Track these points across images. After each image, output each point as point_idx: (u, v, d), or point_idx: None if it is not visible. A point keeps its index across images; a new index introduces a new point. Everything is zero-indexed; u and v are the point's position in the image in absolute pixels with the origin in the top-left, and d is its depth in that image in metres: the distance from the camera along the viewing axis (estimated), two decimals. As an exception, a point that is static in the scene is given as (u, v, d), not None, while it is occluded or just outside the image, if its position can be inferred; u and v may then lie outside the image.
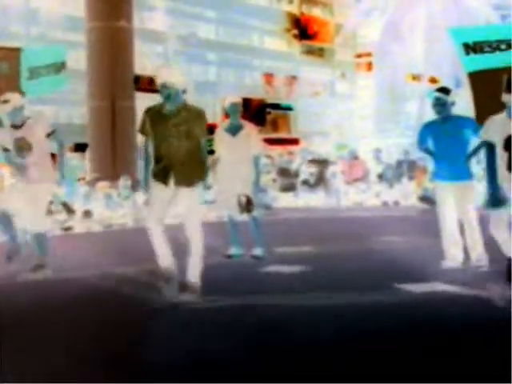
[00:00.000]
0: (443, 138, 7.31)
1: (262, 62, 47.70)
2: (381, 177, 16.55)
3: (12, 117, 7.30)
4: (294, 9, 51.06)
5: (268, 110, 45.51)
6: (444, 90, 7.46)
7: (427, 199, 13.62)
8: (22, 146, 7.20)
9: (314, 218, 13.48)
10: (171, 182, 5.98)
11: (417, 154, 15.57)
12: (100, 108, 16.70)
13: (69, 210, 12.36)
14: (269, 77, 48.01)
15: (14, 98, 7.39)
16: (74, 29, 23.80)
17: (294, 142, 41.92)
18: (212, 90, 41.35)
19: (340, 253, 8.68)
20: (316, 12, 52.75)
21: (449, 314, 5.27)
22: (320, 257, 8.38)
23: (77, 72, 18.37)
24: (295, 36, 50.91)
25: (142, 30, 21.37)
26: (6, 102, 7.24)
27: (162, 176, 6.00)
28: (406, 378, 3.79)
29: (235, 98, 8.47)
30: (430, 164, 8.58)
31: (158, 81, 5.95)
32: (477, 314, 5.24)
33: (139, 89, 18.64)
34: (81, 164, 16.82)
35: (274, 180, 16.17)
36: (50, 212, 11.58)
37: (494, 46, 7.98)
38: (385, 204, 15.56)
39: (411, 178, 16.20)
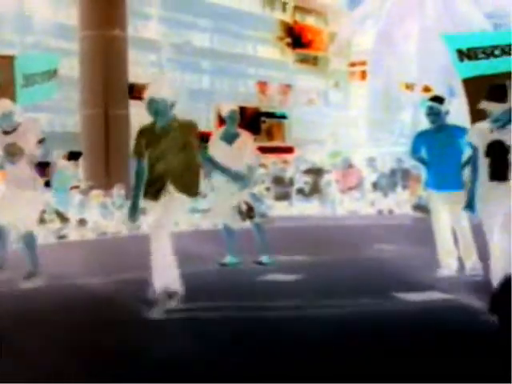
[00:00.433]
0: (436, 147, 7.31)
1: (256, 70, 47.74)
2: (375, 185, 16.53)
3: (1, 122, 7.27)
4: (288, 17, 51.14)
5: (262, 118, 45.51)
6: (437, 99, 7.46)
7: (421, 208, 13.61)
8: (13, 152, 7.15)
9: (308, 227, 13.46)
10: (163, 194, 5.87)
11: (411, 163, 15.56)
12: (93, 116, 16.67)
13: (62, 218, 12.31)
14: (262, 85, 48.05)
15: (3, 103, 7.38)
16: (67, 37, 23.77)
17: (289, 150, 41.89)
18: (206, 98, 41.33)
19: (335, 261, 8.68)
20: (310, 21, 52.84)
21: (445, 321, 5.26)
22: (315, 265, 8.36)
23: (71, 80, 18.33)
24: (289, 44, 50.96)
25: (135, 38, 21.35)
26: None
27: (153, 193, 5.89)
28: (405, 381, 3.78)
29: (233, 105, 8.44)
30: (424, 173, 8.59)
31: (146, 97, 5.85)
32: (469, 322, 5.23)
33: (133, 97, 18.59)
34: (75, 172, 16.73)
35: (268, 189, 16.14)
36: (42, 221, 11.54)
37: (488, 52, 7.98)
38: (379, 212, 15.55)
39: (405, 186, 16.19)
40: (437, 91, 26.99)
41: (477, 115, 7.16)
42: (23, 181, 7.22)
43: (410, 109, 33.92)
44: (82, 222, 12.53)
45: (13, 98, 10.26)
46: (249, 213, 8.08)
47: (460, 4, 32.27)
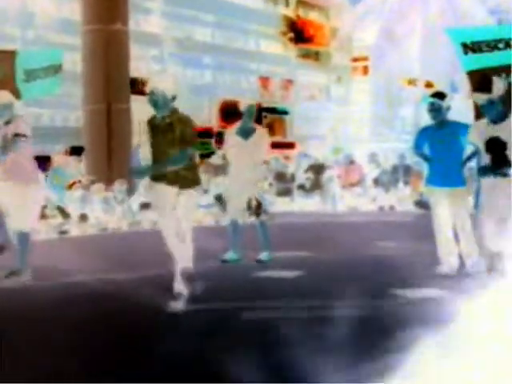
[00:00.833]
0: (438, 143, 7.30)
1: (258, 65, 47.71)
2: (377, 181, 16.52)
3: (1, 113, 7.29)
4: (291, 12, 51.08)
5: (264, 113, 45.51)
6: (439, 95, 7.45)
7: (423, 204, 13.59)
8: (9, 143, 7.14)
9: (309, 223, 13.44)
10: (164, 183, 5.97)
11: (413, 159, 15.55)
12: (96, 111, 16.66)
13: (64, 213, 12.31)
14: (265, 80, 48.02)
15: (2, 95, 7.40)
16: (69, 32, 23.77)
17: (290, 145, 41.89)
18: (208, 93, 41.32)
19: (336, 258, 8.66)
20: (312, 16, 52.77)
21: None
22: (315, 262, 8.35)
23: (73, 75, 18.32)
24: (291, 39, 50.91)
25: (137, 32, 21.36)
26: None
27: (160, 177, 5.99)
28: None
29: (251, 100, 8.50)
30: (426, 169, 8.59)
31: (147, 88, 5.98)
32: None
33: (135, 92, 18.59)
34: (76, 168, 16.73)
35: (271, 184, 16.14)
36: (44, 216, 11.55)
37: (492, 46, 8.03)
38: (381, 209, 15.54)
39: (407, 182, 16.19)
40: (439, 87, 27.00)
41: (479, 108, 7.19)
42: (25, 173, 7.21)
43: (412, 104, 33.91)
44: (83, 218, 12.53)
45: (14, 92, 10.27)
46: (257, 209, 8.10)
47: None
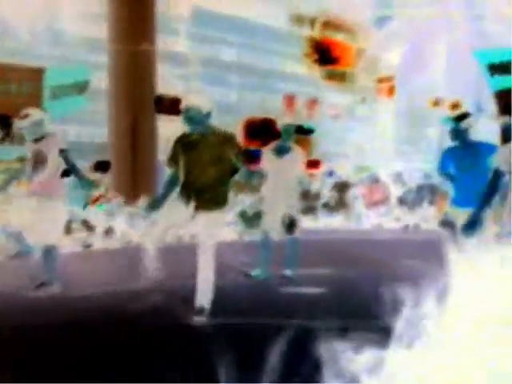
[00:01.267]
0: (463, 163, 7.27)
1: (284, 85, 47.80)
2: (401, 201, 16.44)
3: (31, 131, 7.36)
4: (316, 34, 51.22)
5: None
6: (458, 117, 7.41)
7: (448, 224, 13.48)
8: (38, 160, 7.22)
9: (333, 241, 13.39)
10: (191, 205, 5.91)
11: (438, 179, 15.46)
12: (121, 128, 16.78)
13: (89, 227, 12.37)
14: (290, 100, 48.12)
15: (33, 112, 7.48)
16: (96, 50, 24.02)
17: (315, 164, 41.86)
18: (233, 112, 41.49)
19: (360, 275, 8.60)
20: (339, 37, 52.87)
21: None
22: (339, 280, 8.31)
23: (99, 92, 18.47)
24: (316, 61, 50.99)
25: (164, 52, 21.51)
26: (25, 117, 7.34)
27: (184, 197, 5.93)
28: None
29: (289, 119, 8.55)
30: (451, 189, 8.54)
31: (182, 105, 5.92)
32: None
33: (161, 110, 18.70)
34: (102, 183, 16.83)
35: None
36: (68, 230, 11.63)
37: None
38: (405, 228, 15.45)
39: (432, 202, 16.09)
40: (464, 108, 26.90)
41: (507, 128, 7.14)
42: (51, 190, 7.27)
43: (437, 125, 33.78)
44: (108, 232, 12.59)
45: (42, 109, 10.40)
46: (291, 227, 8.12)
47: (490, 22, 32.18)
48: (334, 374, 3.20)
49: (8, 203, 8.36)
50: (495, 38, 30.61)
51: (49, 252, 7.26)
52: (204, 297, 5.85)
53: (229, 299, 6.20)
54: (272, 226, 8.30)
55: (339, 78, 53.21)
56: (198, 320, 5.74)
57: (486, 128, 9.17)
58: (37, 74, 14.77)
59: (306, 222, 15.41)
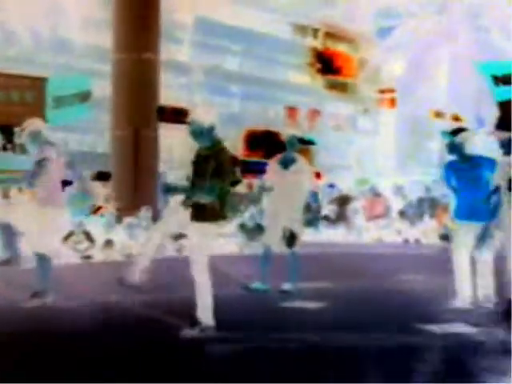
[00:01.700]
0: (463, 177, 7.35)
1: (285, 95, 47.83)
2: (402, 214, 16.43)
3: (31, 142, 7.40)
4: (319, 44, 51.31)
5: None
6: (454, 131, 7.43)
7: (449, 237, 13.48)
8: (40, 169, 7.25)
9: (334, 254, 13.37)
10: (188, 214, 5.95)
11: (438, 192, 15.47)
12: (123, 137, 16.76)
13: (89, 238, 12.36)
14: (292, 110, 48.14)
15: (32, 122, 7.54)
16: (99, 59, 24.08)
17: (316, 176, 41.90)
18: (235, 122, 41.50)
19: (359, 290, 8.59)
20: (341, 48, 52.95)
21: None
22: (339, 294, 8.29)
23: (100, 101, 18.49)
24: (318, 70, 51.05)
25: (166, 61, 21.52)
26: (24, 129, 7.43)
27: (185, 206, 5.98)
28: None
29: (292, 130, 8.61)
30: (452, 202, 8.57)
31: (188, 119, 6.03)
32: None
33: (163, 119, 18.71)
34: (102, 193, 16.83)
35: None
36: (67, 240, 11.63)
37: None
38: (406, 241, 15.44)
39: (432, 215, 16.07)
40: (465, 120, 26.94)
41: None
42: (52, 199, 7.29)
43: (438, 137, 33.78)
44: (108, 243, 12.56)
45: (43, 118, 10.43)
46: (291, 240, 8.11)
47: (492, 33, 32.26)
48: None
49: (10, 210, 8.43)
50: (497, 49, 30.69)
51: (44, 261, 7.26)
52: (204, 310, 5.83)
53: (228, 312, 6.17)
54: (273, 239, 8.30)
55: (341, 88, 53.25)
56: (190, 332, 5.72)
57: (484, 142, 9.19)
58: (39, 82, 14.77)
59: (305, 235, 15.45)
